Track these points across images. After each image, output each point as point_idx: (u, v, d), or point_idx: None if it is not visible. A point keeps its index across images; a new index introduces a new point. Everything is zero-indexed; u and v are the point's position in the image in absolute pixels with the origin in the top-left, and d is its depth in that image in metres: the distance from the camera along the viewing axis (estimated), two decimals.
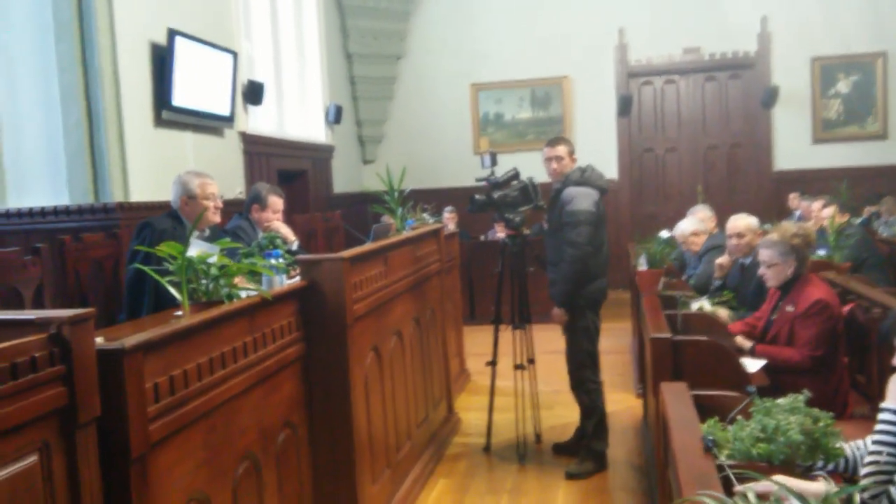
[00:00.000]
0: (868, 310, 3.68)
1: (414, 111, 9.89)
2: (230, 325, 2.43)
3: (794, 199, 8.45)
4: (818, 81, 9.01)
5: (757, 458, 1.80)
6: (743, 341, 3.62)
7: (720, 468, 1.74)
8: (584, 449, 4.19)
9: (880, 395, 3.52)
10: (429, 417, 4.38)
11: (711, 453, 1.83)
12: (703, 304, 3.94)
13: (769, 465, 1.78)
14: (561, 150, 4.18)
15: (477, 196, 4.27)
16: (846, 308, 3.92)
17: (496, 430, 4.56)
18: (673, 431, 1.94)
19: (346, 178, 9.42)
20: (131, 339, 1.87)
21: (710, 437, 1.86)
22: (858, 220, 7.23)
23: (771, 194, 9.02)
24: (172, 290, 2.44)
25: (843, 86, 9.00)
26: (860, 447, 2.12)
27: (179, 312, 2.49)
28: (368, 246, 3.59)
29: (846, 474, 2.07)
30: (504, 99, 9.67)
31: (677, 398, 2.22)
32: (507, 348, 4.49)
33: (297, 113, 8.37)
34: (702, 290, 4.51)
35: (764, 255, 3.67)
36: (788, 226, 3.62)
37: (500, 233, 7.80)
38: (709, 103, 9.43)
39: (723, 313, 3.95)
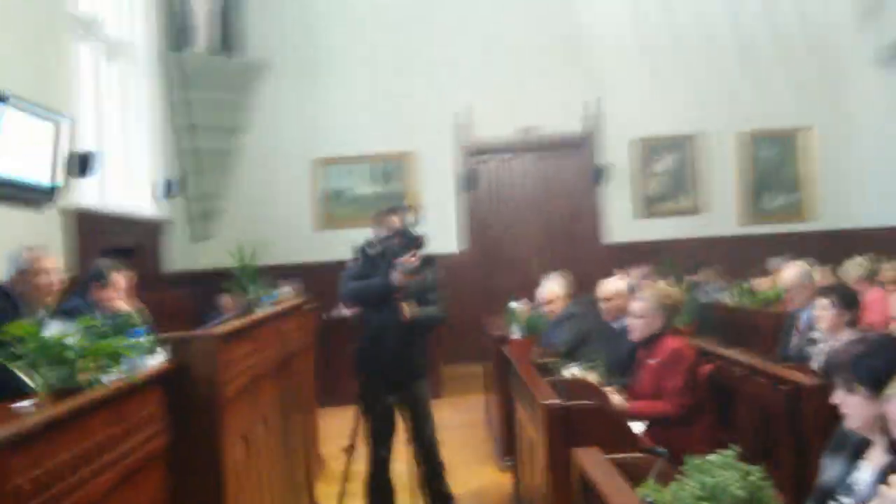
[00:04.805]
0: (728, 368, 3.87)
1: (253, 186, 9.51)
2: (94, 417, 2.10)
3: (618, 275, 8.85)
4: (640, 160, 9.71)
5: None
6: (621, 402, 3.66)
7: None
8: None
9: (746, 450, 3.69)
10: None
11: None
12: (574, 370, 3.96)
13: None
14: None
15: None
16: (707, 367, 4.10)
17: None
18: (609, 498, 1.86)
19: (180, 254, 8.84)
20: None
21: (650, 500, 1.79)
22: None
23: (605, 265, 9.43)
24: (24, 378, 2.08)
25: (661, 164, 9.77)
26: None
27: (26, 403, 2.13)
28: (240, 322, 3.30)
29: None
30: (348, 174, 9.57)
31: (597, 464, 2.15)
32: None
33: (125, 186, 7.79)
34: (569, 356, 4.54)
35: (636, 306, 3.85)
36: (664, 287, 3.82)
37: (344, 311, 7.59)
38: (545, 180, 9.83)
39: (592, 377, 3.99)
